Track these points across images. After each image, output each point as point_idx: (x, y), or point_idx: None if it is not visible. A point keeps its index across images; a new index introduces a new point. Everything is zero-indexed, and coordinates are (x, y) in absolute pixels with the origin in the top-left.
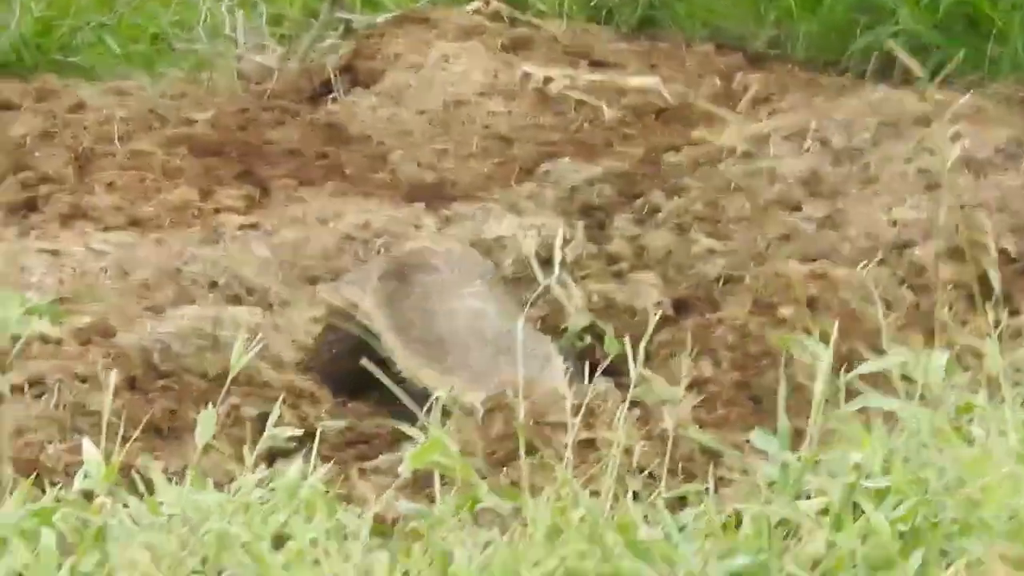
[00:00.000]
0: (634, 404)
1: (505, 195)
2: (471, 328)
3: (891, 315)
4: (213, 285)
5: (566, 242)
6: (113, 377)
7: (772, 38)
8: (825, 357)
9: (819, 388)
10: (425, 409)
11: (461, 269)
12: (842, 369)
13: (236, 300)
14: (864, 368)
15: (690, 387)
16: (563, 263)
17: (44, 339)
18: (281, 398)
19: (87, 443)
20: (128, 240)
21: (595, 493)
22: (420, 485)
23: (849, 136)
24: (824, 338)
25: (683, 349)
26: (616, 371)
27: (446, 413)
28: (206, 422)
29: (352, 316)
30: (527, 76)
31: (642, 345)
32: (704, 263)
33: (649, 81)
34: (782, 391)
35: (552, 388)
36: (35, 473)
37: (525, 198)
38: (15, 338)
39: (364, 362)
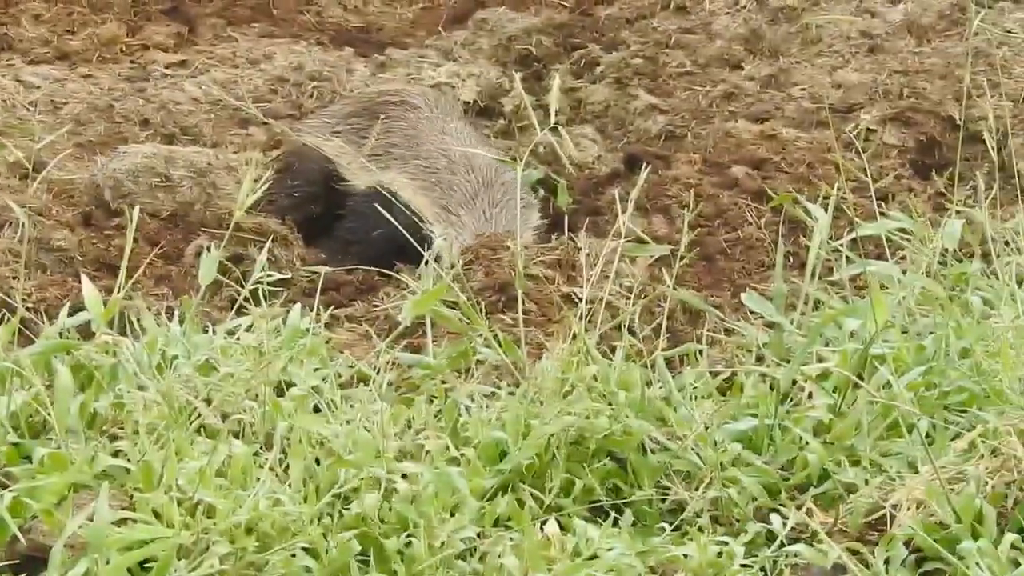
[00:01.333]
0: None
1: (438, 42)
2: (461, 156)
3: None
4: (145, 123)
5: (504, 92)
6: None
7: None
8: (824, 219)
9: (814, 250)
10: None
11: (440, 107)
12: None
13: (169, 140)
14: (862, 231)
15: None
16: (514, 112)
17: None
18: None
19: (86, 281)
20: (57, 74)
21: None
22: (399, 335)
23: None
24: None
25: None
26: (571, 226)
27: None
28: (209, 264)
29: (313, 158)
30: None
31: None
32: (645, 119)
33: None
34: (780, 251)
35: (531, 239)
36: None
37: (459, 46)
38: None
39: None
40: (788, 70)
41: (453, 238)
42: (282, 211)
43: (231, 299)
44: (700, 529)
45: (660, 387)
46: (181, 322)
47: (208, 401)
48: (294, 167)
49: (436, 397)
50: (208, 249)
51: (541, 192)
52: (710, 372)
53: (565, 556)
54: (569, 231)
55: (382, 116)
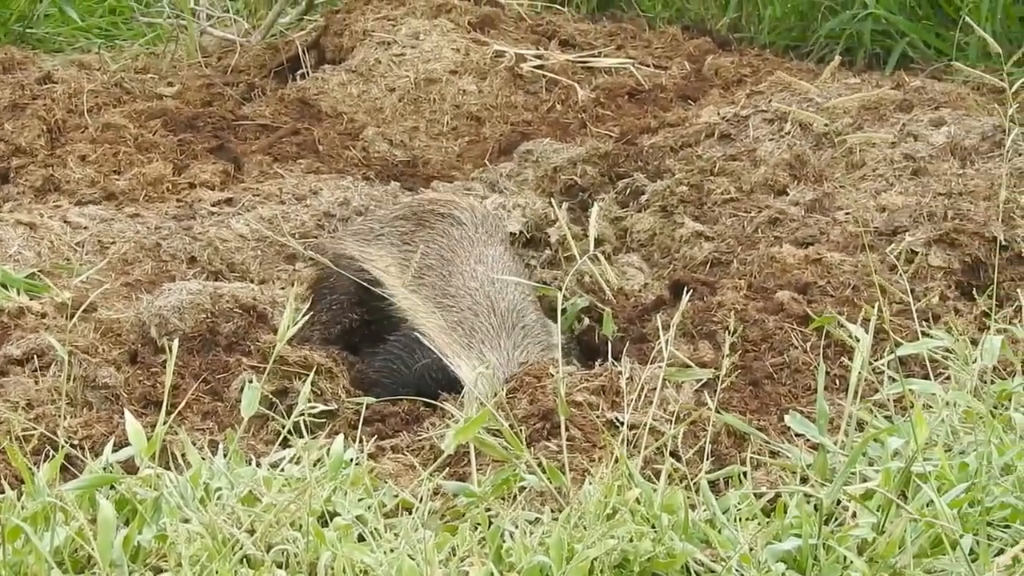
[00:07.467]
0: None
1: (484, 175)
2: (485, 297)
3: (887, 302)
4: (192, 261)
5: (549, 223)
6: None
7: (734, 20)
8: (865, 340)
9: (856, 371)
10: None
11: (485, 228)
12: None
13: (216, 276)
14: (903, 351)
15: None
16: (560, 242)
17: (31, 312)
18: (311, 375)
19: (130, 417)
20: (104, 214)
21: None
22: (443, 464)
23: (830, 120)
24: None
25: (680, 332)
26: (616, 354)
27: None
28: (250, 396)
29: (350, 266)
30: (498, 55)
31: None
32: (691, 247)
33: (621, 62)
34: (821, 374)
35: (573, 368)
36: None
37: (505, 177)
38: None
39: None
40: (832, 194)
41: (496, 367)
42: (323, 326)
43: (276, 432)
44: None
45: (704, 510)
46: (225, 455)
47: (251, 532)
48: (331, 279)
49: (480, 524)
50: (250, 382)
51: (586, 321)
52: (754, 494)
53: None
54: (613, 358)
55: (427, 227)
